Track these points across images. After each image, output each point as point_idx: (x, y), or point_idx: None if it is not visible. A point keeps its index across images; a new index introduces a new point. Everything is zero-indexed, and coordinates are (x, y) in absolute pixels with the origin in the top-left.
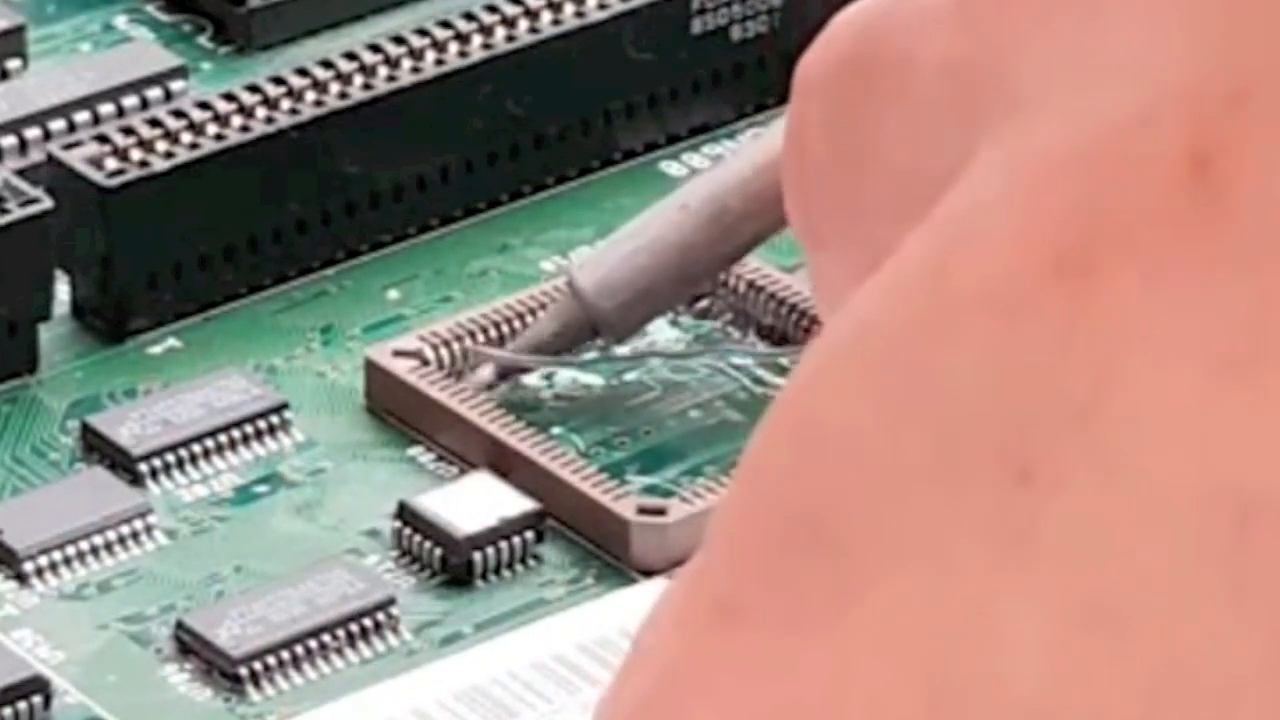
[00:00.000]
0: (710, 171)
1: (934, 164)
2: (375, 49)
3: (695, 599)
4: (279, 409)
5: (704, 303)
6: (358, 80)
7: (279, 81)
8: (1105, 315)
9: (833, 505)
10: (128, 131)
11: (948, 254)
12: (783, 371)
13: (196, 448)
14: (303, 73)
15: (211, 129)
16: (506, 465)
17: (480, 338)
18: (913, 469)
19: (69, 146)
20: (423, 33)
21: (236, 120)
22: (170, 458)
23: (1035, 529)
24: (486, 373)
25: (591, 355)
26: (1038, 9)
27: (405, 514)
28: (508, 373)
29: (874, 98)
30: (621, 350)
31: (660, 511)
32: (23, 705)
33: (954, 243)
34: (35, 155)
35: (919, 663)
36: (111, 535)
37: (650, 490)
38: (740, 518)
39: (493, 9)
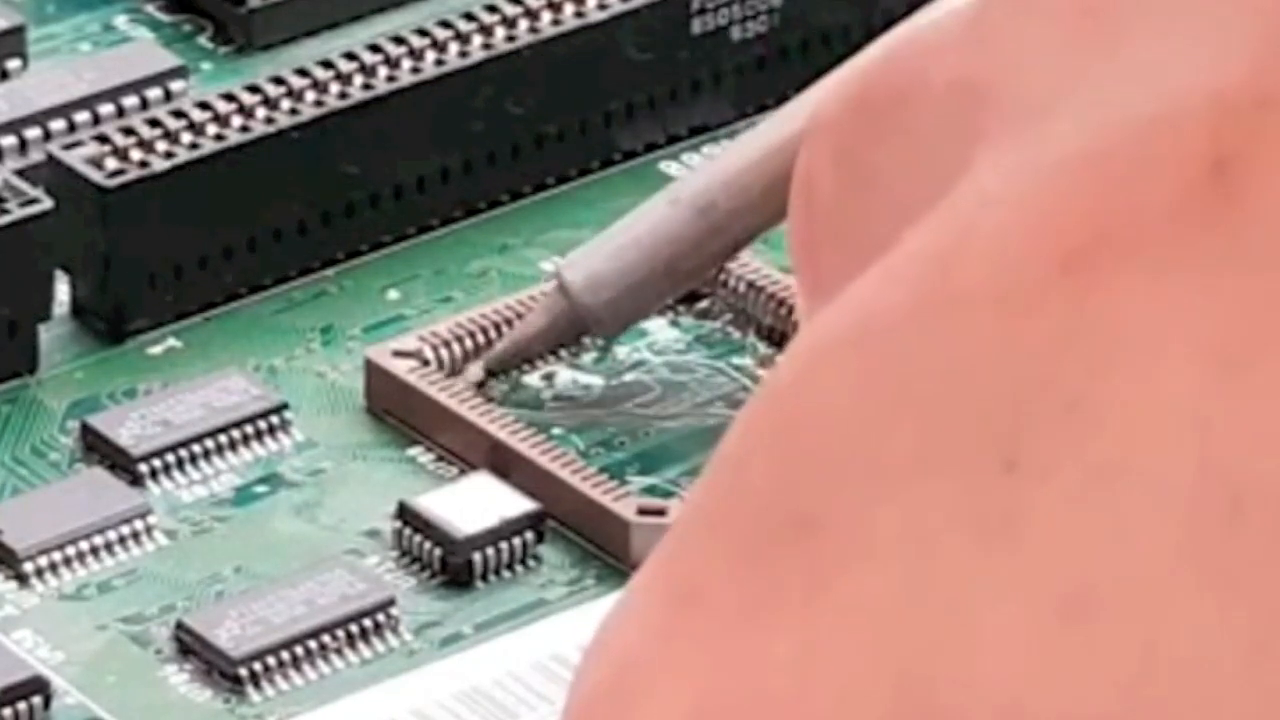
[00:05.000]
0: (700, 168)
1: (933, 193)
2: (375, 49)
3: (660, 581)
4: (279, 409)
5: (704, 303)
6: (358, 80)
7: (279, 81)
8: (1106, 310)
9: (810, 488)
10: (128, 131)
11: (954, 247)
12: None
13: (196, 448)
14: (303, 73)
15: (211, 129)
16: (506, 465)
17: (480, 338)
18: (897, 455)
19: (69, 146)
20: (423, 33)
21: (236, 120)
22: (170, 458)
23: (1018, 518)
24: (476, 370)
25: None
26: (1050, 21)
27: (405, 514)
28: (498, 371)
29: (881, 131)
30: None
31: (660, 512)
32: (22, 706)
33: (960, 236)
34: (35, 155)
35: (890, 650)
36: (111, 535)
37: (650, 491)
38: (714, 498)
39: (493, 9)
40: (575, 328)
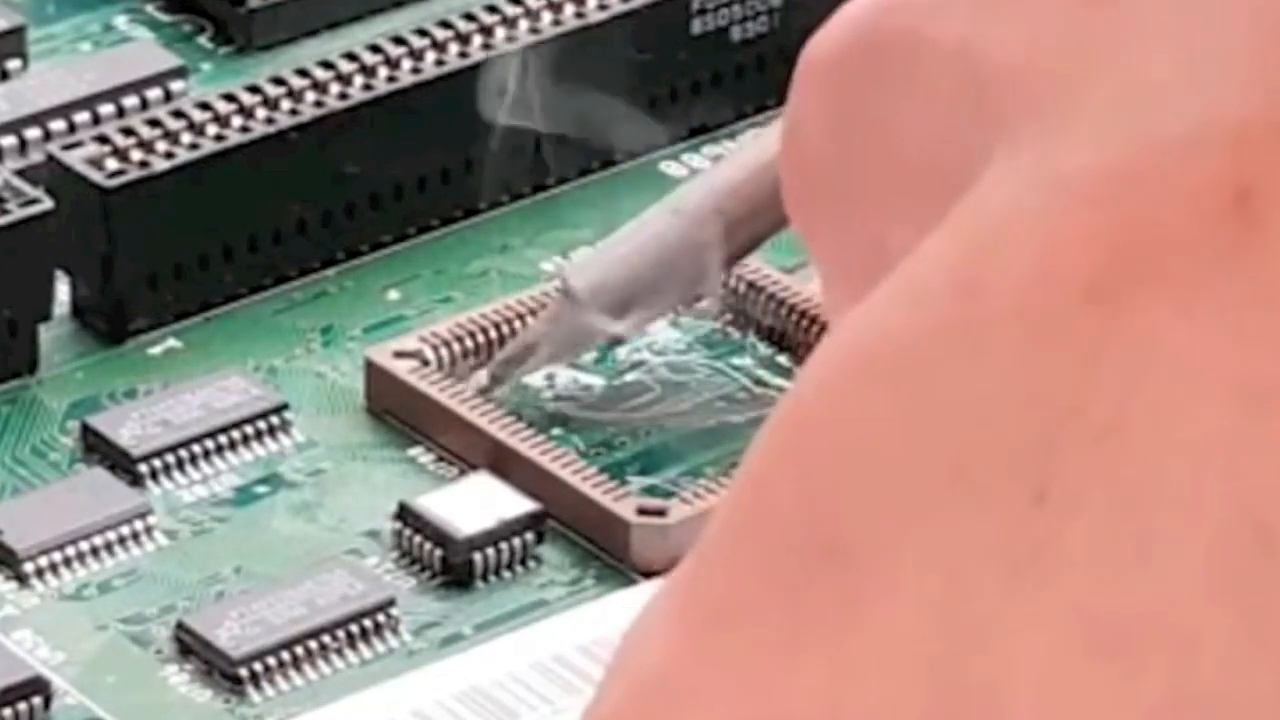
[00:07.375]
0: (704, 175)
1: (945, 157)
2: (375, 49)
3: (688, 602)
4: (279, 409)
5: (704, 303)
6: (358, 80)
7: (279, 81)
8: (1134, 340)
9: (843, 515)
10: (128, 132)
11: (977, 268)
12: (783, 371)
13: (196, 448)
14: (303, 73)
15: (211, 129)
16: (506, 466)
17: (480, 338)
18: (929, 484)
19: (69, 146)
20: (423, 33)
21: (236, 120)
22: (170, 458)
23: (1048, 550)
24: (481, 378)
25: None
26: (1061, 5)
27: (405, 515)
28: (502, 378)
29: (880, 82)
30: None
31: (660, 512)
32: (23, 706)
33: (983, 257)
34: (35, 155)
35: (920, 681)
36: (111, 536)
37: (650, 491)
38: (742, 522)
39: (493, 9)
40: (580, 335)
